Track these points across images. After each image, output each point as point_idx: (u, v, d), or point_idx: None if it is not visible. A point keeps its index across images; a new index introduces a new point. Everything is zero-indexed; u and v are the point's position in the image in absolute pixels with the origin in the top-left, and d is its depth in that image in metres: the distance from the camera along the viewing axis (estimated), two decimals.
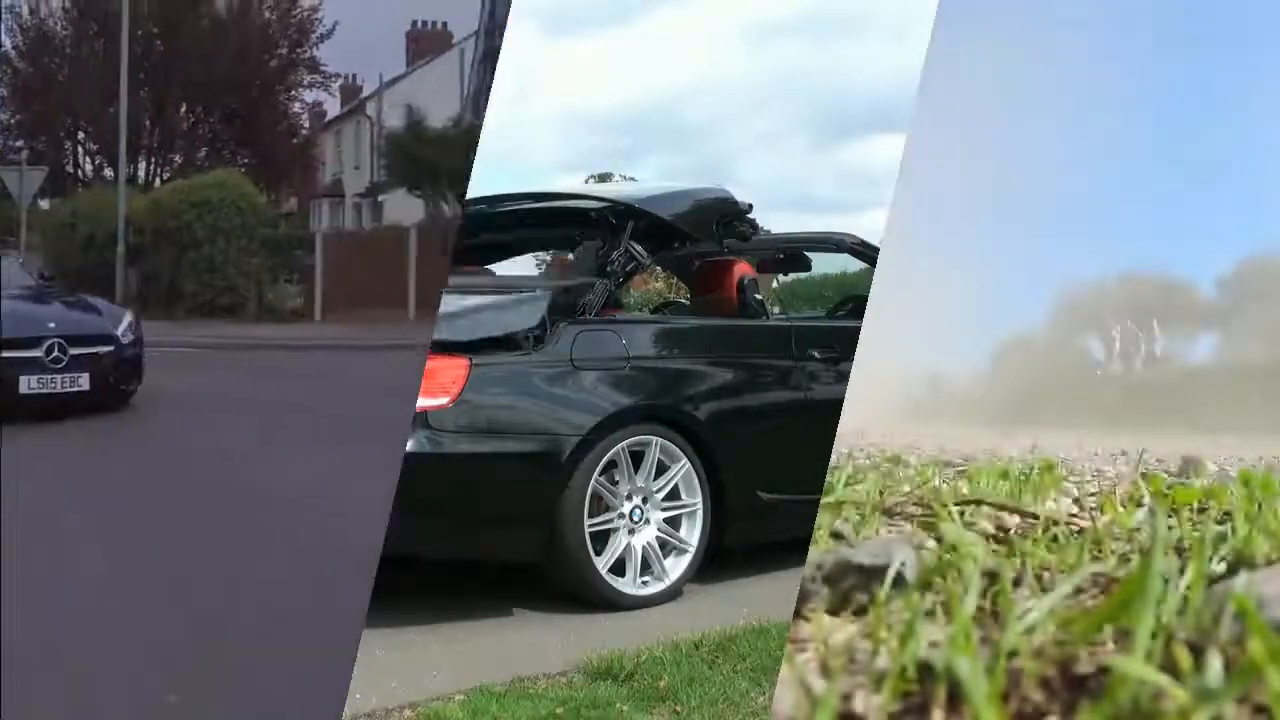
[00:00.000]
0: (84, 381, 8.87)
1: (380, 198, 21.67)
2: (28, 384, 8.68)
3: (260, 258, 18.12)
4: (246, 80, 21.54)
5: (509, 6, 18.51)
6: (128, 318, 9.71)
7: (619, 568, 4.45)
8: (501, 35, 18.86)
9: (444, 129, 18.59)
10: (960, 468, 5.68)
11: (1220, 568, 2.33)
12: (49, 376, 8.76)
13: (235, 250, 17.55)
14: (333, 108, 25.82)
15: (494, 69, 19.08)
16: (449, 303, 4.65)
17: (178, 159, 22.22)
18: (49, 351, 8.75)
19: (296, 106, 23.16)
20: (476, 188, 6.75)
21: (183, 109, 21.96)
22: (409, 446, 4.24)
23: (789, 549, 4.07)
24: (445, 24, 24.84)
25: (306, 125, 24.02)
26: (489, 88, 19.58)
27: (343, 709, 3.36)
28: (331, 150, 25.95)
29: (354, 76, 25.70)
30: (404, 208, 20.34)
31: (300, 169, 23.34)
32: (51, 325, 9.02)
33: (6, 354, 8.68)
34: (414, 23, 25.31)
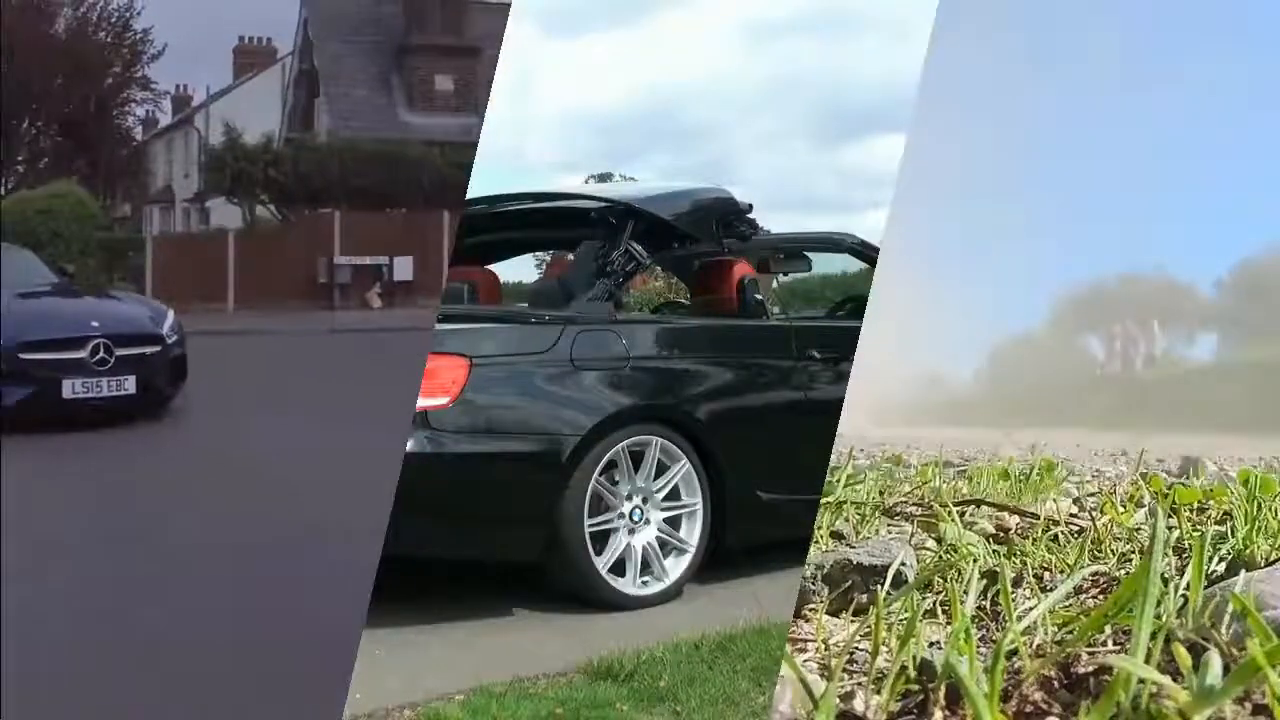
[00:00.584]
0: (130, 385, 8.15)
1: (207, 203, 22.82)
2: (71, 388, 7.95)
3: (96, 259, 19.07)
4: (84, 97, 22.82)
5: (336, 32, 19.27)
6: (171, 315, 9.01)
7: (619, 568, 4.45)
8: (313, 57, 19.73)
9: (263, 141, 19.60)
10: (960, 468, 5.68)
11: (1220, 567, 2.33)
12: (94, 380, 8.03)
13: (74, 252, 18.41)
14: (164, 118, 27.02)
15: (311, 88, 20.11)
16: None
17: (21, 169, 23.34)
18: (94, 353, 8.06)
19: (130, 120, 24.66)
20: (477, 188, 6.75)
21: (25, 123, 23.11)
22: (409, 446, 4.24)
23: (789, 549, 4.07)
24: (269, 39, 25.71)
25: (139, 136, 25.44)
26: (304, 106, 20.66)
27: (343, 709, 3.36)
28: (162, 158, 27.00)
29: (184, 87, 26.84)
30: (225, 213, 21.57)
31: (132, 177, 24.76)
32: (95, 325, 8.28)
33: (49, 356, 8.00)
34: (240, 38, 26.32)
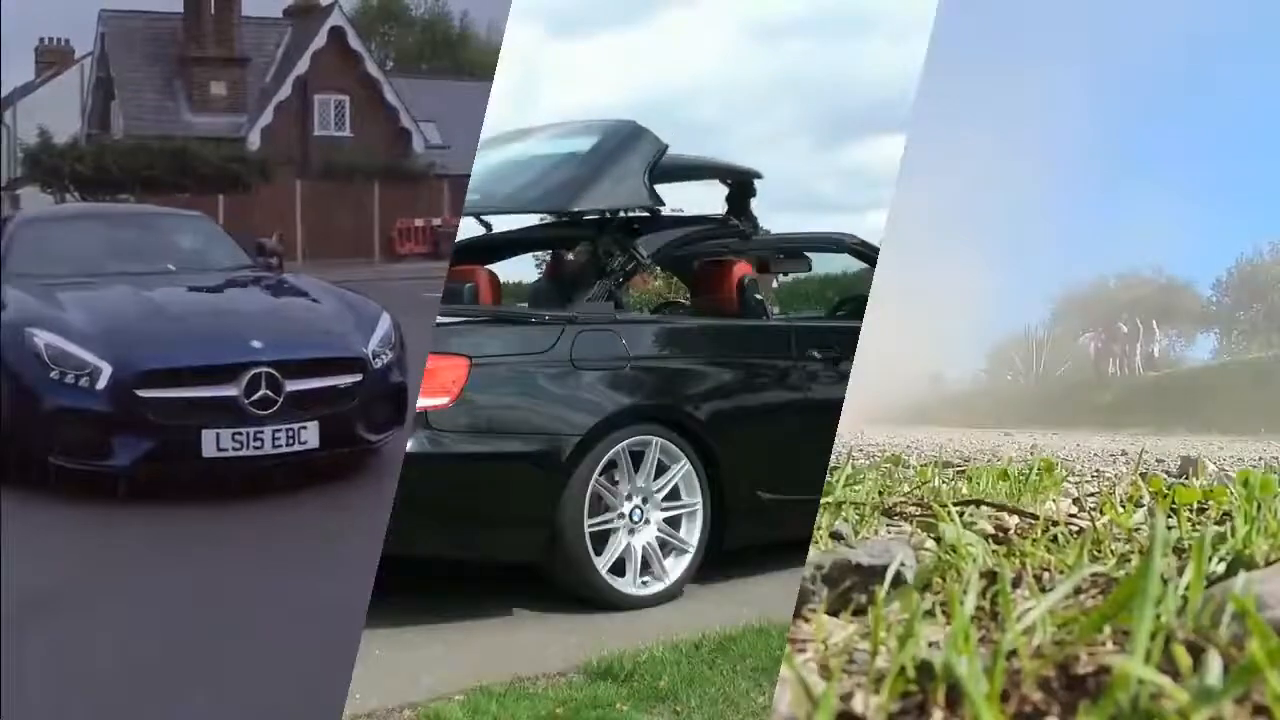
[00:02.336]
0: (309, 435, 5.41)
1: (18, 191, 24.90)
2: (215, 441, 5.26)
3: None
4: None
5: (128, 45, 22.07)
6: (385, 321, 5.97)
7: (619, 568, 4.45)
8: (109, 67, 22.01)
9: (70, 140, 21.95)
10: (960, 468, 5.69)
11: (1220, 568, 2.33)
12: (251, 431, 5.31)
13: None
14: None
15: (108, 93, 22.26)
16: None
17: None
18: (251, 388, 5.35)
19: None
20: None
21: None
22: (409, 447, 4.25)
23: (789, 549, 4.07)
24: (68, 40, 27.58)
25: None
26: (103, 108, 22.89)
27: (343, 709, 3.36)
28: None
29: None
30: (37, 200, 23.18)
31: None
32: (257, 344, 5.52)
33: (182, 393, 5.37)
34: (41, 39, 27.97)
